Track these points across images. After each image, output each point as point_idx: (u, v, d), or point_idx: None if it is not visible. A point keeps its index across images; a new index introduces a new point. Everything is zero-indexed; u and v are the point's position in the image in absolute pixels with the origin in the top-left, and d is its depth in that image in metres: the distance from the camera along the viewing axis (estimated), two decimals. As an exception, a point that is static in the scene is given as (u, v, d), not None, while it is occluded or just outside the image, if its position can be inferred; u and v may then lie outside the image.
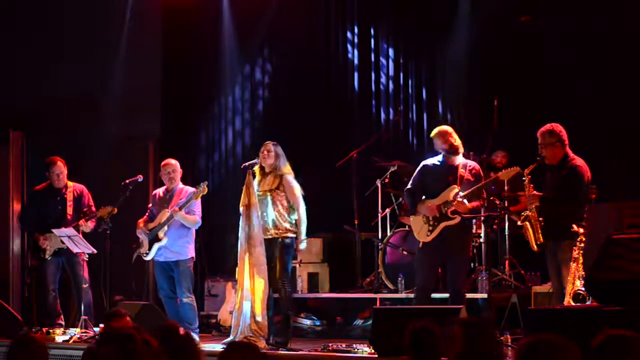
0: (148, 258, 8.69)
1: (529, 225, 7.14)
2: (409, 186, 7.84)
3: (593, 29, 9.43)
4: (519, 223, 7.28)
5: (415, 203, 7.67)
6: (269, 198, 7.98)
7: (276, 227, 7.96)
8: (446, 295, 7.67)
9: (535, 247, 7.17)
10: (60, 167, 9.21)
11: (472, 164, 7.72)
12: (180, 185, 8.78)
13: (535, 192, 7.18)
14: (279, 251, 7.92)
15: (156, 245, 8.57)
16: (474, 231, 9.13)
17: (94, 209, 9.17)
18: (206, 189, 8.41)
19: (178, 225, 8.59)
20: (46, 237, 9.09)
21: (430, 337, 4.47)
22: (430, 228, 7.53)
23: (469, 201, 7.46)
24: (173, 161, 8.82)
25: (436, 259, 7.62)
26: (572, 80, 9.49)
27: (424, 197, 7.63)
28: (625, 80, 9.26)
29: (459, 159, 7.67)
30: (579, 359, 3.19)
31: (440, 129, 7.75)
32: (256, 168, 7.96)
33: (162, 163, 8.87)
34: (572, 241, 6.88)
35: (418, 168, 7.86)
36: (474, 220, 7.72)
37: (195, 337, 7.41)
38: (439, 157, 7.71)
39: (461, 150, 7.67)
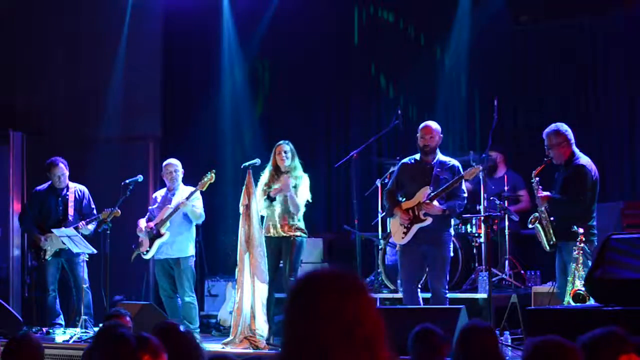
0: (148, 256, 8.69)
1: (539, 228, 7.10)
2: (388, 187, 7.75)
3: (593, 28, 9.44)
4: (530, 226, 7.21)
5: (393, 205, 7.55)
6: (282, 197, 7.98)
7: (287, 226, 7.95)
8: (429, 294, 7.57)
9: (548, 247, 7.13)
10: (62, 169, 9.17)
11: (450, 161, 7.53)
12: (182, 185, 8.79)
13: (543, 193, 7.14)
14: (290, 250, 7.93)
15: (158, 242, 8.57)
16: (473, 231, 9.13)
17: (95, 211, 9.15)
18: (213, 177, 8.41)
19: (179, 222, 8.60)
20: (47, 238, 9.07)
21: (432, 338, 4.43)
22: (405, 230, 7.42)
23: (441, 201, 7.33)
24: (175, 161, 8.82)
25: (415, 261, 7.47)
26: (571, 80, 9.49)
27: (403, 197, 7.56)
28: (625, 80, 9.26)
29: (437, 157, 7.50)
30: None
31: (424, 123, 7.57)
32: (251, 166, 7.93)
33: (165, 163, 8.88)
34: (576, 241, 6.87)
35: (397, 167, 7.79)
36: (453, 220, 7.54)
37: (197, 336, 7.40)
38: (417, 156, 7.58)
39: (437, 149, 7.50)
